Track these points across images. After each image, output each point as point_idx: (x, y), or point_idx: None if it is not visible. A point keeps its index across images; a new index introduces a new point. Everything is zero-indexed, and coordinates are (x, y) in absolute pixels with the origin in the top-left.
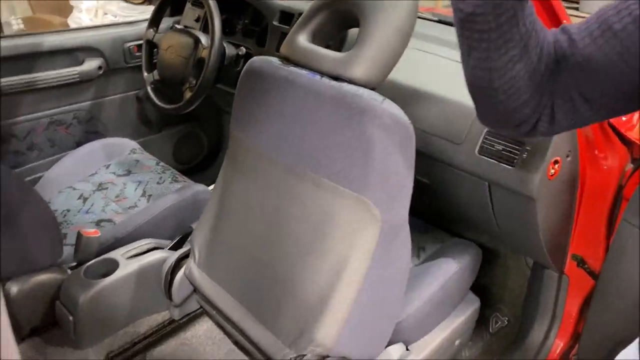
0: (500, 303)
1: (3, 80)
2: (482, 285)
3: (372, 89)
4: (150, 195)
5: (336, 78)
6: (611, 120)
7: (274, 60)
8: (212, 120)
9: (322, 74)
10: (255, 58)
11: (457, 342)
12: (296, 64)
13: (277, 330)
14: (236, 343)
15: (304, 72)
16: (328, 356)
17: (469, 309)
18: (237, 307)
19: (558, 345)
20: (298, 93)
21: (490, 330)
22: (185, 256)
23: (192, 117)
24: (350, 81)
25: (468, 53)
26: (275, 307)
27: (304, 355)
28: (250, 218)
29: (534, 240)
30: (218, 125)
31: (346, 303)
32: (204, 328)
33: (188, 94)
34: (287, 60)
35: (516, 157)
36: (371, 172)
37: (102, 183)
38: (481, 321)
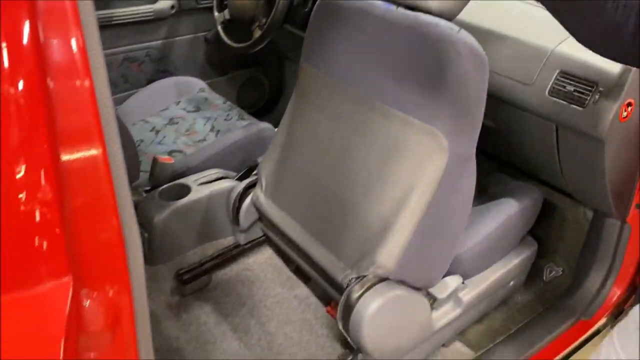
0: (555, 254)
1: None
2: (538, 237)
3: (448, 20)
4: (218, 131)
5: (412, 8)
6: None
7: None
8: (274, 66)
9: (398, 4)
10: None
11: (511, 283)
12: None
13: (340, 253)
14: (295, 271)
15: (379, 2)
16: (387, 278)
17: (526, 251)
18: (302, 232)
19: (615, 293)
20: (373, 24)
21: (544, 278)
22: (252, 185)
23: (255, 62)
24: (427, 11)
25: None
26: (339, 231)
27: (365, 275)
28: (317, 147)
29: (599, 186)
30: (280, 71)
31: (408, 229)
32: (265, 256)
33: (257, 33)
34: None
35: (588, 98)
36: (443, 102)
37: (173, 118)
38: (535, 270)
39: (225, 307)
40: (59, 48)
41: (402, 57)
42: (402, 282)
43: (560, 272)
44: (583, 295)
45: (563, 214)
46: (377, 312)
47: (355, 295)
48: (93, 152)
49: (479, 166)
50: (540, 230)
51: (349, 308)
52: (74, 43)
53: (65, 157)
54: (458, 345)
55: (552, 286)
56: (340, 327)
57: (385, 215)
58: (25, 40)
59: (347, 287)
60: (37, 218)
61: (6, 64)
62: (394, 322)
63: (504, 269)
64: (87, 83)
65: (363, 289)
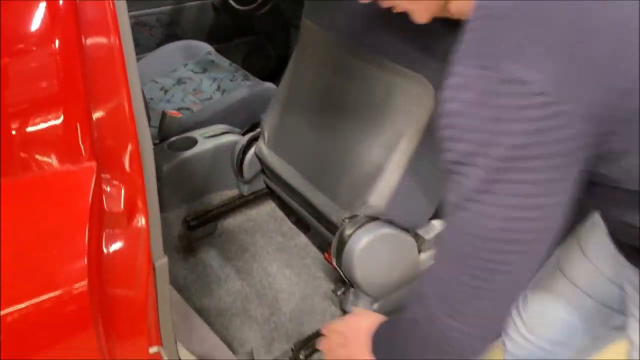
0: None
1: None
2: None
3: None
4: (224, 90)
5: None
6: None
7: None
8: (280, 34)
9: None
10: None
11: None
12: None
13: (334, 196)
14: (296, 222)
15: None
16: (378, 218)
17: None
18: (301, 178)
19: None
20: None
21: None
22: (256, 138)
23: (261, 30)
24: None
25: None
26: (334, 176)
27: (357, 215)
28: (316, 99)
29: None
30: (286, 39)
31: (397, 172)
32: (268, 208)
33: None
34: None
35: None
36: (430, 52)
37: (181, 78)
38: None
39: (229, 252)
40: (93, 8)
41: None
42: (391, 222)
43: None
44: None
45: None
46: (366, 248)
47: (347, 232)
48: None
49: None
50: None
51: (341, 244)
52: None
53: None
54: None
55: None
56: (334, 262)
57: (377, 159)
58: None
59: (340, 225)
60: (64, 118)
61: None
62: (382, 259)
63: None
64: (116, 41)
65: (355, 227)
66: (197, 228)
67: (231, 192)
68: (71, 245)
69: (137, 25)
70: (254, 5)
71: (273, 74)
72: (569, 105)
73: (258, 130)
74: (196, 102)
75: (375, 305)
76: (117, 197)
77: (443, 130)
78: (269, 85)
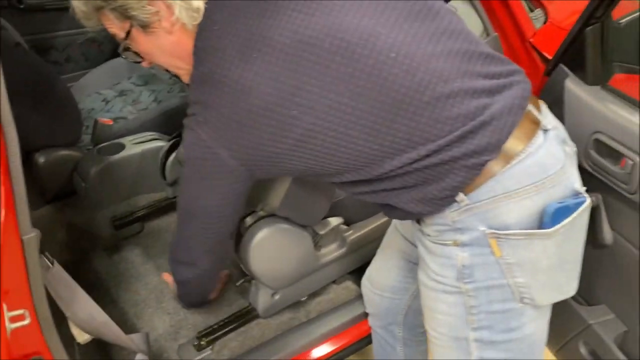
0: None
1: None
2: None
3: None
4: (160, 101)
5: None
6: None
7: None
8: None
9: None
10: None
11: None
12: None
13: None
14: None
15: None
16: (275, 215)
17: None
18: None
19: None
20: None
21: None
22: (178, 143)
23: None
24: None
25: None
26: None
27: (255, 211)
28: None
29: None
30: None
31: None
32: None
33: None
34: None
35: None
36: None
37: (123, 90)
38: None
39: (152, 250)
40: None
41: None
42: (287, 219)
43: None
44: None
45: None
46: (261, 240)
47: (245, 226)
48: None
49: None
50: None
51: (239, 237)
52: None
53: None
54: (348, 284)
55: None
56: (235, 255)
57: None
58: None
59: (240, 220)
60: None
61: None
62: (277, 251)
63: (385, 217)
64: None
65: (252, 221)
66: (123, 227)
67: (158, 195)
68: None
69: (87, 42)
70: None
71: None
72: (221, 149)
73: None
74: (133, 112)
75: (276, 297)
76: None
77: None
78: None
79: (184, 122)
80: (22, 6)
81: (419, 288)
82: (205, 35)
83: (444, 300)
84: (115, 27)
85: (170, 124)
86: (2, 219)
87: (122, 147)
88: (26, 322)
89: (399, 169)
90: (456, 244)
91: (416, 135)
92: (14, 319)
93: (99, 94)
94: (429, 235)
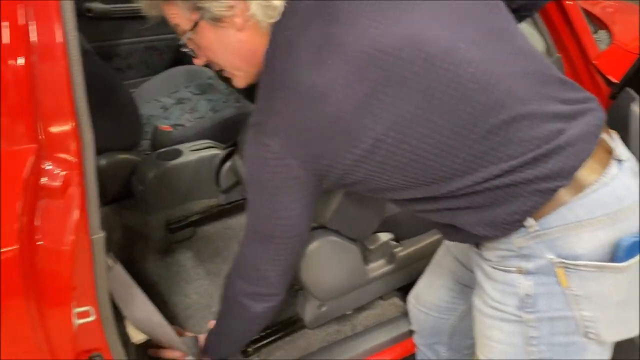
0: None
1: (112, 6)
2: None
3: None
4: (217, 111)
5: None
6: None
7: None
8: None
9: None
10: None
11: None
12: None
13: None
14: None
15: None
16: (325, 227)
17: None
18: None
19: None
20: None
21: None
22: (233, 152)
23: None
24: None
25: None
26: None
27: None
28: None
29: None
30: None
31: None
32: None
33: None
34: None
35: None
36: None
37: (181, 98)
38: None
39: (203, 255)
40: (43, 33)
41: None
42: (337, 232)
43: None
44: None
45: None
46: (312, 252)
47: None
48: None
49: None
50: None
51: None
52: (55, 29)
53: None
54: (395, 300)
55: None
56: None
57: None
58: (17, 23)
59: None
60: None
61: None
62: (327, 264)
63: (436, 235)
64: (64, 67)
65: None
66: (176, 232)
67: (211, 201)
68: (4, 213)
69: (148, 50)
70: None
71: None
72: (292, 160)
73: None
74: (190, 120)
75: (323, 308)
76: (55, 175)
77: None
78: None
79: (248, 136)
80: (90, 14)
81: (473, 314)
82: (279, 38)
83: (501, 328)
84: (181, 18)
85: (226, 133)
86: (76, 218)
87: (179, 153)
88: (91, 318)
89: (469, 187)
90: (520, 271)
91: (489, 154)
92: (80, 315)
93: (158, 101)
94: (489, 261)
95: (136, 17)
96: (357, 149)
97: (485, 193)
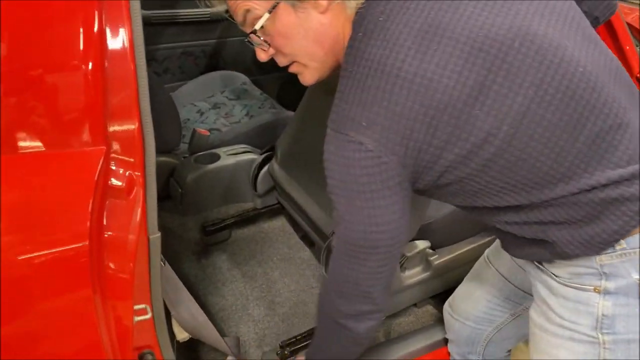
0: None
1: (151, 12)
2: None
3: None
4: (252, 116)
5: None
6: None
7: None
8: None
9: None
10: None
11: None
12: None
13: (329, 211)
14: (302, 237)
15: None
16: None
17: None
18: (304, 194)
19: None
20: None
21: None
22: (270, 158)
23: None
24: None
25: None
26: None
27: None
28: (323, 124)
29: None
30: None
31: None
32: (279, 223)
33: None
34: None
35: None
36: None
37: (217, 103)
38: None
39: (238, 257)
40: (114, 37)
41: None
42: None
43: None
44: None
45: None
46: None
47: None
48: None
49: None
50: None
51: (329, 253)
52: (124, 34)
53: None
54: (429, 308)
55: None
56: (323, 269)
57: None
58: (94, 29)
59: (330, 236)
60: (84, 114)
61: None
62: None
63: (472, 244)
64: (131, 68)
65: None
66: (212, 234)
67: (247, 205)
68: (77, 211)
69: (184, 55)
70: None
71: None
72: (390, 157)
73: (273, 151)
74: (226, 124)
75: None
76: (120, 175)
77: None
78: (291, 113)
79: (329, 138)
80: None
81: (532, 330)
82: (369, 23)
83: (570, 348)
84: (257, 3)
85: (262, 139)
86: (139, 218)
87: (217, 157)
88: (147, 316)
89: (573, 195)
90: (597, 290)
91: (595, 159)
92: (138, 313)
93: (194, 106)
94: (557, 277)
95: (174, 23)
96: (466, 142)
97: (589, 205)
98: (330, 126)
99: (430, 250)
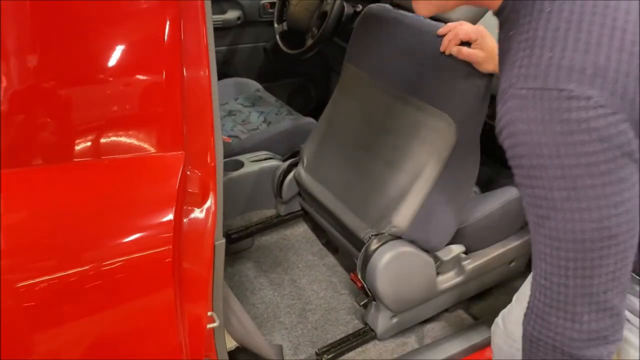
0: None
1: None
2: None
3: None
4: (269, 122)
5: (437, 19)
6: None
7: (387, 6)
8: (321, 77)
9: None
10: (372, 5)
11: (512, 264)
12: (405, 9)
13: (363, 216)
14: (325, 243)
15: (410, 14)
16: (400, 237)
17: (526, 236)
18: (334, 199)
19: None
20: (403, 30)
21: None
22: (295, 164)
23: (305, 73)
24: (448, 21)
25: None
26: (364, 199)
27: (382, 233)
28: (351, 130)
29: None
30: (326, 82)
31: (420, 197)
32: (301, 230)
33: (310, 41)
34: (398, 6)
35: None
36: (454, 93)
37: (232, 110)
38: None
39: (264, 265)
40: (192, 44)
41: (424, 57)
42: (412, 242)
43: None
44: None
45: None
46: (389, 262)
47: (372, 247)
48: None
49: (488, 162)
50: None
51: (367, 258)
52: (202, 41)
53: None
54: (460, 312)
55: None
56: (359, 275)
57: (402, 185)
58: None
59: (367, 242)
60: (165, 119)
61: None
62: (403, 275)
63: (504, 247)
64: (206, 72)
65: (379, 243)
66: (237, 241)
67: (269, 212)
68: (162, 215)
69: None
70: (302, 49)
71: (313, 113)
72: (622, 115)
73: (297, 157)
74: (244, 131)
75: (394, 320)
76: (195, 181)
77: (510, 151)
78: (309, 119)
79: (519, 104)
80: None
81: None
82: None
83: None
84: None
85: (282, 145)
86: (211, 224)
87: (241, 164)
88: (216, 324)
89: None
90: None
91: None
92: (209, 320)
93: None
94: None
95: None
96: None
97: None
98: (521, 85)
99: (463, 255)
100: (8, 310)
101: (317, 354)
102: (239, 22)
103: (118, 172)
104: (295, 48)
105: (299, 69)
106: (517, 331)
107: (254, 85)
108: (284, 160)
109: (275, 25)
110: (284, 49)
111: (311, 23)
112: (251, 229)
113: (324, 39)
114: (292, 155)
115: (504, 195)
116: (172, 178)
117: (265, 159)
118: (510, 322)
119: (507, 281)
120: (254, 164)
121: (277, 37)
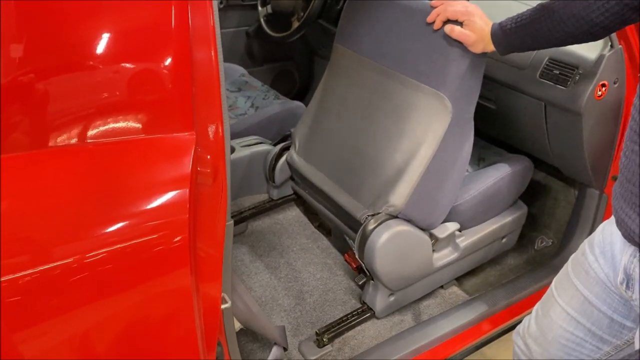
0: (547, 228)
1: None
2: (532, 214)
3: None
4: (257, 107)
5: None
6: None
7: None
8: (305, 61)
9: None
10: None
11: (504, 240)
12: None
13: (359, 196)
14: (318, 227)
15: None
16: (397, 217)
17: (517, 212)
18: (328, 181)
19: None
20: (395, 9)
21: (535, 247)
22: (287, 148)
23: (289, 57)
24: None
25: None
26: (359, 178)
27: (379, 213)
28: (345, 111)
29: (580, 157)
30: (310, 66)
31: (416, 176)
32: (294, 214)
33: (295, 24)
34: None
35: (569, 79)
36: (448, 72)
37: None
38: (528, 241)
39: (258, 249)
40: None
41: (418, 36)
42: (409, 221)
43: (550, 243)
44: (567, 254)
45: (556, 195)
46: (386, 241)
47: (370, 227)
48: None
49: (480, 142)
50: (535, 209)
51: (364, 238)
52: (209, 21)
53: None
54: (455, 289)
55: (542, 253)
56: (357, 255)
57: (398, 164)
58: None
59: (364, 222)
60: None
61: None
62: (400, 253)
63: (497, 224)
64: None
65: (377, 223)
66: None
67: (261, 197)
68: (177, 196)
69: None
70: (287, 33)
71: (297, 96)
72: None
73: (288, 141)
74: (232, 116)
75: (392, 298)
76: (205, 161)
77: None
78: (298, 103)
79: None
80: None
81: None
82: None
83: None
84: None
85: (271, 129)
86: (223, 205)
87: (232, 149)
88: (228, 305)
89: None
90: None
91: None
92: (223, 301)
93: None
94: None
95: None
96: None
97: None
98: None
99: (458, 232)
100: (31, 290)
101: (317, 334)
102: (221, 6)
103: (132, 154)
104: (281, 31)
105: (282, 53)
106: (538, 351)
107: (238, 70)
108: (275, 145)
109: (260, 8)
110: (269, 32)
111: (297, 5)
112: (244, 214)
113: (310, 21)
114: (283, 139)
115: (496, 173)
116: (185, 158)
117: (255, 144)
118: (531, 327)
119: (498, 257)
120: (244, 149)
121: (262, 20)
